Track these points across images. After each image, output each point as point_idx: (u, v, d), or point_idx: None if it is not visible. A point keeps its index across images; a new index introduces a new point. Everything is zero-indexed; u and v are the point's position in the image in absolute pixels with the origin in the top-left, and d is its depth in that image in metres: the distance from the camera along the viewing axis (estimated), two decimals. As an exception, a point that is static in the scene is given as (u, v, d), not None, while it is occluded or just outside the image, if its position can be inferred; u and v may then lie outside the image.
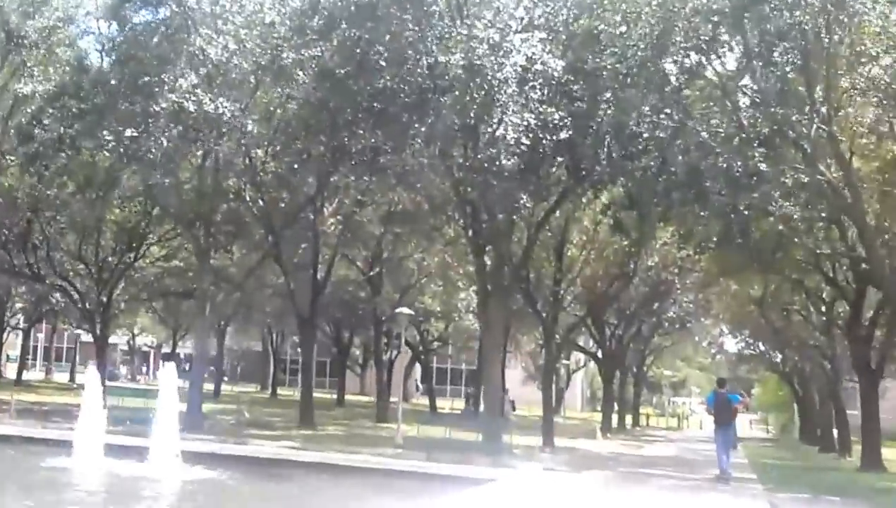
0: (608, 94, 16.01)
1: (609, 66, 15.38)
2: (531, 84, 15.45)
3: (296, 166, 20.96)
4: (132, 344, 63.32)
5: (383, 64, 16.35)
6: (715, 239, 20.30)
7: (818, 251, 22.62)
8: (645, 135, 15.99)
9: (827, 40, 15.77)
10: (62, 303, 35.43)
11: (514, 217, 20.10)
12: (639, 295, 33.36)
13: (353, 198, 24.66)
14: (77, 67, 21.27)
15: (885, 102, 16.71)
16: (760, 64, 17.00)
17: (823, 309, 28.02)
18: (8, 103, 24.04)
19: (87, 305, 28.80)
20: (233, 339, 56.90)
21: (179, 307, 41.32)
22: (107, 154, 20.78)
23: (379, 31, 16.27)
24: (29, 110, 21.92)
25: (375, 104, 16.63)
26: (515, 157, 16.00)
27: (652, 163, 16.34)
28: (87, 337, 37.53)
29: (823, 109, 16.59)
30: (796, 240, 20.79)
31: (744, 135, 16.32)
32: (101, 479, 11.15)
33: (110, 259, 28.90)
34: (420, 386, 54.40)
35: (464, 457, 15.11)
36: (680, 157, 16.06)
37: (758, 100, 17.42)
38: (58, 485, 10.47)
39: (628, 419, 43.14)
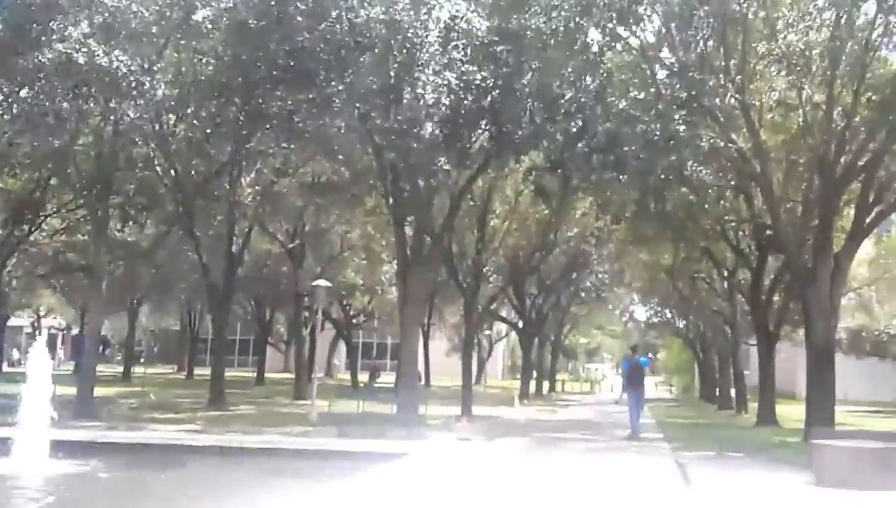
0: (532, 56, 15.78)
1: (533, 27, 15.18)
2: (454, 43, 15.11)
3: (208, 131, 19.92)
4: (37, 326, 60.42)
5: (301, 19, 15.61)
6: (632, 208, 21.31)
7: (725, 218, 23.72)
8: (568, 97, 15.88)
9: (745, 7, 16.03)
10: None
11: (436, 184, 19.78)
12: (559, 266, 33.81)
13: (272, 166, 23.81)
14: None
15: (798, 69, 17.11)
16: (679, 33, 17.24)
17: (727, 275, 29.22)
18: None
19: (-25, 282, 26.95)
20: (149, 319, 54.97)
21: (84, 285, 39.37)
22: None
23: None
24: None
25: (292, 62, 15.86)
26: (437, 121, 15.68)
27: (573, 127, 16.28)
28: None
29: (738, 78, 16.99)
30: (706, 206, 21.81)
31: (661, 106, 16.58)
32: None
33: (1, 231, 26.83)
34: (348, 361, 53.93)
35: (378, 431, 14.81)
36: (600, 122, 16.09)
37: (675, 69, 17.72)
38: None
39: (545, 385, 44.16)
